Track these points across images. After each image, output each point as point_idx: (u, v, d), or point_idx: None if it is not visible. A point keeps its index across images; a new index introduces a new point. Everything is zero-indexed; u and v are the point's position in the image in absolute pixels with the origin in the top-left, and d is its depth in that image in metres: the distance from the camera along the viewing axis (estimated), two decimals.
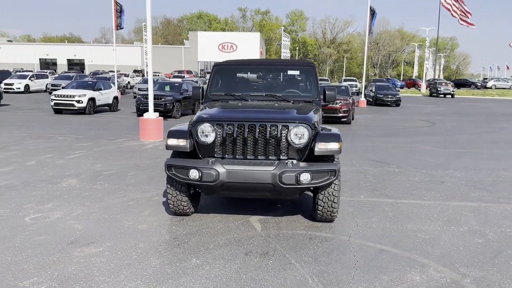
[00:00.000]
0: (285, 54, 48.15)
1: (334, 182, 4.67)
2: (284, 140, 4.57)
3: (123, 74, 42.09)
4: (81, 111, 18.00)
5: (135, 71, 51.83)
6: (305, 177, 4.40)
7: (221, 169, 4.43)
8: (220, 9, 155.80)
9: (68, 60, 66.71)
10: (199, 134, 4.63)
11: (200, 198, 5.45)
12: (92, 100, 18.88)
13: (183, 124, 5.12)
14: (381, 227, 4.90)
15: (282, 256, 4.02)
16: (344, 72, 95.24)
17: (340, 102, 16.63)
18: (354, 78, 48.91)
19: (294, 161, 4.53)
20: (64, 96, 18.35)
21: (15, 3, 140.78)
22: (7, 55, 64.50)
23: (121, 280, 3.48)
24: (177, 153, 4.89)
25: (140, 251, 4.05)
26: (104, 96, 20.06)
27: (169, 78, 39.41)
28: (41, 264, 3.73)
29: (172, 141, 4.72)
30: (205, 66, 65.06)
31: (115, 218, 4.98)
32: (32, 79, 33.58)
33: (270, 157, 4.60)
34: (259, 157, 4.61)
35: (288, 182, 4.36)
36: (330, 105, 15.99)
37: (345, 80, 43.32)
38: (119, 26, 33.00)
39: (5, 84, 32.04)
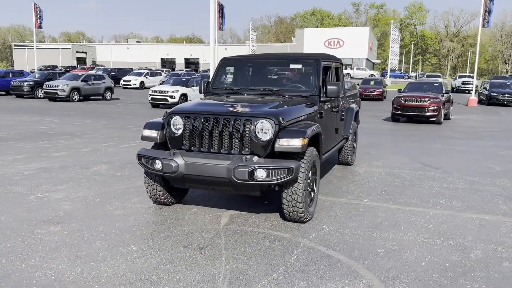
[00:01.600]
0: (393, 48, 45.76)
1: (298, 180, 4.45)
2: (247, 135, 4.47)
3: None
4: (174, 105, 19.54)
5: None
6: (260, 174, 4.25)
7: (180, 161, 4.50)
8: (334, 5, 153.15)
9: (185, 59, 71.86)
10: (170, 126, 4.76)
11: (190, 190, 5.58)
12: (184, 95, 20.36)
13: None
14: (352, 233, 4.51)
15: (217, 251, 3.96)
16: (468, 68, 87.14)
17: (429, 100, 15.33)
18: (439, 74, 44.75)
19: (254, 157, 4.40)
20: (159, 91, 20.09)
21: (148, 8, 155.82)
22: (135, 54, 71.84)
23: (54, 257, 3.76)
24: (157, 144, 5.08)
25: (93, 234, 4.31)
26: (196, 92, 21.40)
27: None
28: (4, 236, 4.21)
29: (146, 132, 4.92)
30: None
31: (103, 202, 5.36)
32: (146, 76, 37.02)
33: (232, 152, 4.53)
34: (221, 151, 4.57)
35: (241, 177, 4.26)
36: (417, 103, 15.14)
37: (428, 77, 39.97)
38: (221, 26, 34.65)
39: (124, 80, 36.03)
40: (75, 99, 22.17)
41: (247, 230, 4.53)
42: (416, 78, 51.84)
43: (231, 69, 6.29)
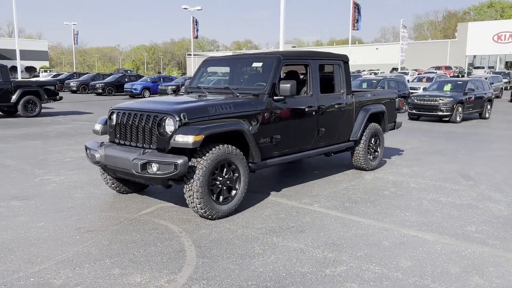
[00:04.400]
0: None
1: (194, 177, 4.53)
2: (155, 131, 4.74)
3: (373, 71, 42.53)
4: None
5: (393, 69, 51.24)
6: (152, 167, 4.49)
7: (102, 152, 5.01)
8: None
9: None
10: (108, 121, 5.33)
11: None
12: None
13: None
14: (232, 235, 4.37)
15: (100, 234, 4.34)
16: None
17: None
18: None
19: (153, 151, 4.66)
20: None
21: (308, 15, 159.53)
22: None
23: None
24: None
25: (36, 211, 5.09)
26: None
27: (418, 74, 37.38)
28: None
29: (95, 126, 5.58)
30: (473, 60, 57.81)
31: (83, 186, 6.16)
32: None
33: (143, 146, 4.85)
34: (136, 145, 4.93)
35: (137, 170, 4.56)
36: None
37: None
38: (356, 25, 33.80)
39: None
40: None
41: (148, 220, 4.77)
42: None
43: (205, 69, 6.54)
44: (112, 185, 5.69)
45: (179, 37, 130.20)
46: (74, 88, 33.73)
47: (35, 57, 70.37)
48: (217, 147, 4.70)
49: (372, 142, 7.43)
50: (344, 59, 6.86)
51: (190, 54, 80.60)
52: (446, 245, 4.13)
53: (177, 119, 4.58)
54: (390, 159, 8.41)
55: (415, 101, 16.07)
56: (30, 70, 65.74)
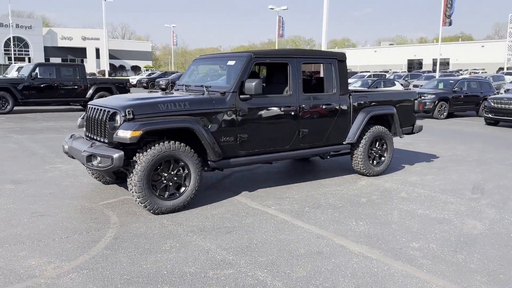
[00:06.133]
0: None
1: (133, 171, 4.70)
2: (107, 125, 5.00)
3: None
4: None
5: (500, 69, 46.62)
6: (95, 160, 4.77)
7: (69, 144, 5.42)
8: None
9: (433, 60, 66.90)
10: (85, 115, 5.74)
11: None
12: None
13: None
14: (161, 228, 4.43)
15: (56, 217, 4.71)
16: None
17: None
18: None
19: (104, 145, 4.92)
20: None
21: (415, 10, 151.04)
22: (381, 57, 71.53)
23: None
24: None
25: (16, 195, 5.64)
26: None
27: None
28: None
29: (78, 120, 6.01)
30: None
31: (77, 176, 6.64)
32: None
33: (99, 139, 5.14)
34: (96, 138, 5.24)
35: (84, 161, 4.88)
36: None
37: None
38: (448, 18, 31.43)
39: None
40: None
41: (100, 210, 5.03)
42: None
43: (192, 67, 6.65)
44: (93, 175, 6.09)
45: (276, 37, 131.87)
46: (163, 86, 36.27)
47: (140, 57, 76.61)
48: (160, 143, 4.80)
49: (377, 146, 6.94)
50: (339, 58, 6.49)
51: None
52: (365, 259, 3.78)
53: (123, 114, 4.77)
54: (413, 165, 7.79)
55: (492, 104, 14.53)
56: (135, 69, 71.69)
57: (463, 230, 4.53)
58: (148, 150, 4.74)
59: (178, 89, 6.36)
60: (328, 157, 6.81)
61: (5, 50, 58.25)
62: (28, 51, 60.15)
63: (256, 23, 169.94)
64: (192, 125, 4.99)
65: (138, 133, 4.61)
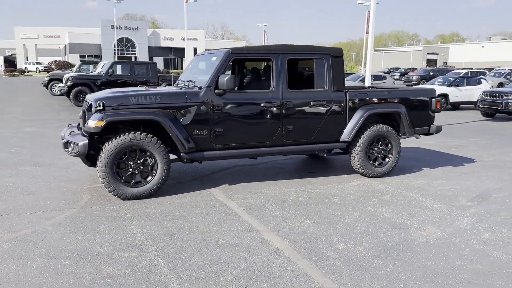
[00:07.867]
0: None
1: (99, 159, 5.10)
2: (86, 116, 5.49)
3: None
4: None
5: None
6: (70, 147, 5.29)
7: (64, 132, 6.00)
8: None
9: None
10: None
11: None
12: (443, 96, 18.93)
13: None
14: (113, 213, 4.75)
15: (30, 198, 5.33)
16: None
17: None
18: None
19: (80, 134, 5.41)
20: None
21: None
22: (492, 53, 65.16)
23: None
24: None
25: (27, 176, 6.42)
26: (464, 93, 19.42)
27: None
28: None
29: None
30: None
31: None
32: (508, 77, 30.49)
33: (83, 129, 5.64)
34: (81, 127, 5.75)
35: (63, 148, 5.43)
36: None
37: None
38: None
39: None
40: None
41: (81, 192, 5.53)
42: None
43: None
44: (82, 161, 6.64)
45: (378, 31, 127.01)
46: None
47: None
48: (125, 134, 5.13)
49: (379, 146, 6.57)
50: (334, 53, 6.25)
51: (378, 50, 78.40)
52: (274, 254, 3.73)
53: (95, 106, 5.20)
54: (434, 168, 7.25)
55: None
56: None
57: (411, 237, 4.18)
58: (113, 140, 5.11)
59: (177, 84, 6.66)
60: (325, 155, 6.62)
61: (119, 50, 64.27)
62: (135, 51, 65.62)
63: (352, 20, 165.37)
64: (157, 118, 5.24)
65: (101, 123, 5.00)
